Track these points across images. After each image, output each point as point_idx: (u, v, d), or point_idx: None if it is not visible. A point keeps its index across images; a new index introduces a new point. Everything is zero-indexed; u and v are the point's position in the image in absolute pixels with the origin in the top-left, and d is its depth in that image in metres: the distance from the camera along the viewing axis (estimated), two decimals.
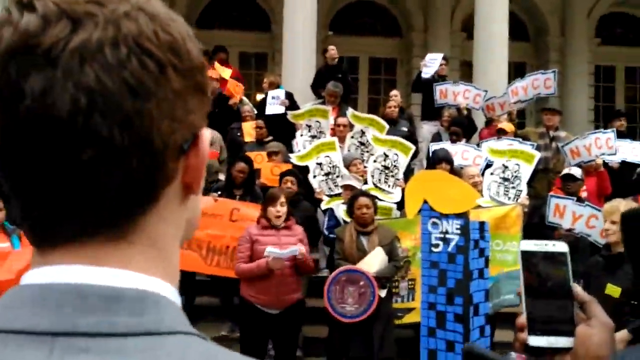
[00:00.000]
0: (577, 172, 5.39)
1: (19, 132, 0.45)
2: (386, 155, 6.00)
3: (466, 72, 10.46)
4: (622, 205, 3.45)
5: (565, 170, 5.49)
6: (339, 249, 4.40)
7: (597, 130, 6.19)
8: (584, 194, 5.63)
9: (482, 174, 5.68)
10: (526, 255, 0.84)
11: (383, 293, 4.28)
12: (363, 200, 4.38)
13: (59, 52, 0.44)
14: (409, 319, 4.66)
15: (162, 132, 0.48)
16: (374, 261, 4.28)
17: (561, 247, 0.84)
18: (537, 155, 5.74)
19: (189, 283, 5.55)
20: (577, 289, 0.81)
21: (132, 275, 0.47)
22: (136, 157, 0.47)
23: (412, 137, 6.90)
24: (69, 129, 0.44)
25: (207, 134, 0.54)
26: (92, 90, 0.44)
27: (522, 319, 0.81)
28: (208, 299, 5.79)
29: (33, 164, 0.46)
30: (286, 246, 3.97)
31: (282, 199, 4.15)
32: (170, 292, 0.50)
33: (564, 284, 0.81)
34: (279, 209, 4.08)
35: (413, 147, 6.04)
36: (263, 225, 4.11)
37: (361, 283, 4.01)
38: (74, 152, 0.45)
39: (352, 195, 4.60)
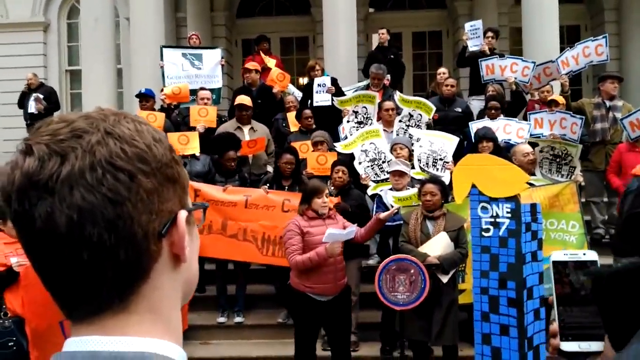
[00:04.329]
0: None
1: (36, 246, 0.62)
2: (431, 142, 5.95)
3: (516, 39, 10.06)
4: None
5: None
6: (404, 231, 4.49)
7: None
8: None
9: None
10: (558, 266, 0.87)
11: (445, 279, 4.29)
12: (428, 187, 4.45)
13: (54, 183, 0.59)
14: (460, 300, 4.66)
15: (142, 225, 0.62)
16: (437, 246, 4.30)
17: (592, 255, 0.87)
18: (579, 147, 5.58)
19: (243, 273, 5.76)
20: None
21: (133, 340, 0.62)
22: (123, 249, 0.61)
23: (467, 118, 6.75)
24: (69, 240, 0.60)
25: (183, 215, 0.67)
26: (80, 208, 0.59)
27: (555, 326, 0.86)
28: (263, 288, 5.98)
29: (49, 267, 0.62)
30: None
31: (326, 190, 4.24)
32: (169, 349, 0.65)
33: None
34: (325, 200, 4.17)
35: (456, 140, 5.94)
36: (310, 217, 4.17)
37: (412, 271, 4.04)
38: (76, 255, 0.60)
39: (422, 181, 4.69)
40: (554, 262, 0.88)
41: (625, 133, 5.86)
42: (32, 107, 8.99)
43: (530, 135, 5.93)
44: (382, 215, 4.22)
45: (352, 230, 4.12)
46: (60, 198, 0.59)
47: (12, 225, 0.64)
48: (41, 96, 9.08)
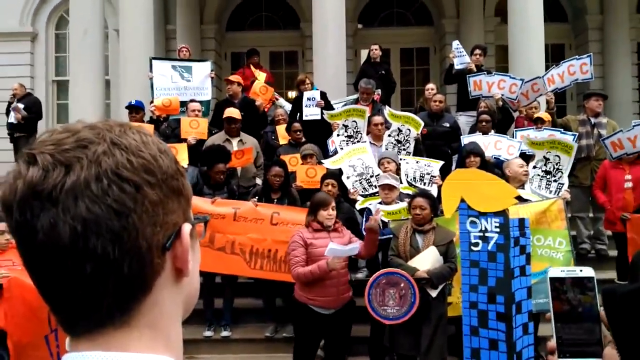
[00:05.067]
0: None
1: (36, 258, 0.60)
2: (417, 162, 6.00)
3: (502, 56, 10.22)
4: None
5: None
6: (394, 245, 4.48)
7: None
8: (628, 184, 5.45)
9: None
10: (555, 282, 0.87)
11: (434, 293, 4.29)
12: (418, 201, 4.44)
13: (57, 193, 0.58)
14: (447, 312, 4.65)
15: (146, 237, 0.61)
16: (426, 260, 4.31)
17: (588, 272, 0.87)
18: (575, 146, 5.58)
19: (230, 286, 5.70)
20: (604, 312, 0.84)
21: (133, 356, 0.61)
22: (127, 262, 0.60)
23: (454, 133, 6.83)
24: (73, 252, 0.58)
25: (187, 228, 0.66)
26: (85, 219, 0.58)
27: (552, 343, 0.86)
28: (251, 301, 5.92)
29: (50, 280, 0.61)
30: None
31: (333, 203, 4.24)
32: None
33: (592, 308, 0.85)
34: (331, 213, 4.17)
35: (441, 163, 5.97)
36: (315, 228, 4.17)
37: (402, 285, 4.03)
38: (78, 268, 0.59)
39: (412, 195, 4.69)
40: (551, 279, 0.88)
41: (608, 154, 5.94)
42: (11, 117, 9.01)
43: (521, 152, 5.97)
44: (367, 224, 4.21)
45: (356, 246, 4.06)
46: (64, 209, 0.58)
47: (11, 236, 0.62)
48: (21, 106, 9.04)
